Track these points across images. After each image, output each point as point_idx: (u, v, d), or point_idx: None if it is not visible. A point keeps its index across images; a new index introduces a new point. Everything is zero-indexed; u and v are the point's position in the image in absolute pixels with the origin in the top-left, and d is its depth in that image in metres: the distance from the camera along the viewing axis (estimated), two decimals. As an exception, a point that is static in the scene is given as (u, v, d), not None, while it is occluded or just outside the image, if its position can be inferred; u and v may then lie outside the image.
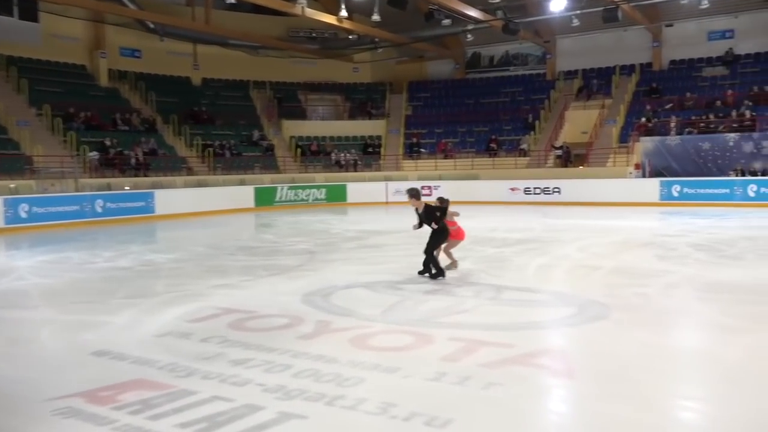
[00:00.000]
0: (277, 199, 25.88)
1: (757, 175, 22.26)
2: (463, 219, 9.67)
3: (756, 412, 4.18)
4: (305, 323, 6.62)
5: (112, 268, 10.86)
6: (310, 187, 27.03)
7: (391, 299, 7.77)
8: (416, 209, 9.11)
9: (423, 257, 9.02)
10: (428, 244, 8.97)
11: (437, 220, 8.88)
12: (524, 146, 28.43)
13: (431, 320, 6.71)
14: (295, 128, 31.23)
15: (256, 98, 32.16)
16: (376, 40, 30.36)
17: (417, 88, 34.94)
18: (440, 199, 9.44)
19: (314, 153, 30.18)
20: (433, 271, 8.96)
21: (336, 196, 27.24)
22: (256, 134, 29.60)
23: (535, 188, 25.58)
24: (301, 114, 32.41)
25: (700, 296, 7.82)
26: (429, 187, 27.53)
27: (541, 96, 31.24)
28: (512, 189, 25.60)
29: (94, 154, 22.60)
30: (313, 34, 31.46)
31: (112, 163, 23.01)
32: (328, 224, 18.78)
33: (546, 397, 4.71)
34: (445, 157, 29.58)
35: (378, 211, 24.13)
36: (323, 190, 27.22)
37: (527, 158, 27.95)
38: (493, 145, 28.99)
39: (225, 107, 30.44)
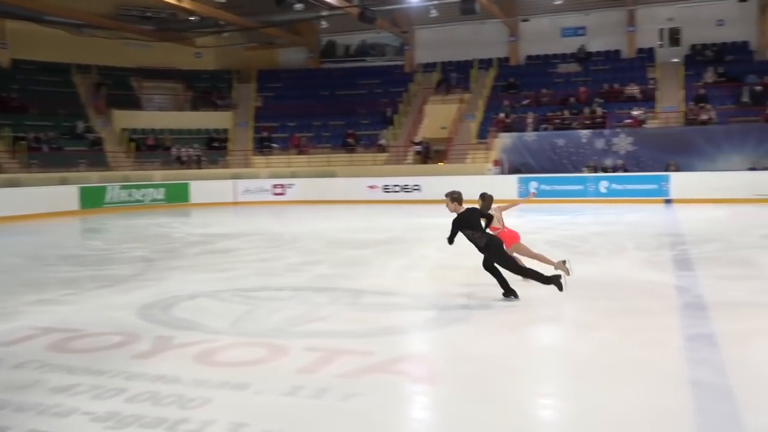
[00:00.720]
0: (107, 200, 24.64)
1: (608, 172, 24.54)
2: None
3: (605, 404, 4.64)
4: (142, 340, 6.38)
5: None
6: (147, 187, 26.01)
7: (240, 309, 7.69)
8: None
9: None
10: (503, 263, 7.88)
11: (480, 230, 7.73)
12: (382, 141, 29.14)
13: (285, 330, 6.71)
14: (128, 119, 29.78)
15: (80, 84, 30.26)
16: (221, 23, 29.66)
17: (267, 78, 34.62)
18: (482, 196, 8.31)
19: (151, 148, 29.01)
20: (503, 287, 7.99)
21: (177, 197, 26.43)
22: (80, 125, 27.91)
23: (394, 186, 26.31)
24: (134, 103, 31.01)
25: (555, 293, 8.46)
26: (282, 186, 27.46)
27: (400, 89, 32.19)
28: (371, 187, 26.15)
29: None
30: (148, 14, 30.12)
31: None
32: (168, 228, 18.20)
33: (407, 404, 4.89)
34: (299, 153, 29.60)
35: (225, 212, 23.77)
36: (162, 190, 26.28)
37: (386, 154, 28.67)
38: (350, 140, 29.43)
39: (41, 94, 28.35)
